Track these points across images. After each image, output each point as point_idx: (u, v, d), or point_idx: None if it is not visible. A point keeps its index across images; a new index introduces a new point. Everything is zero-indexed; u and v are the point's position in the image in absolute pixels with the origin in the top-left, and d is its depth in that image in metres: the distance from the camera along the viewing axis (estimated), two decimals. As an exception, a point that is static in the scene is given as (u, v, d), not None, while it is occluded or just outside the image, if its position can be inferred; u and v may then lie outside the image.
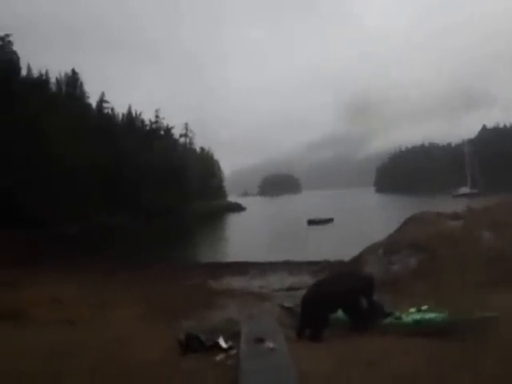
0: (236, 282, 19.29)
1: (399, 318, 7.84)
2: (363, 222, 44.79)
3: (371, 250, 17.46)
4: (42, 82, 56.84)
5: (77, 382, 4.98)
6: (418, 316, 7.72)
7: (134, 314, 10.61)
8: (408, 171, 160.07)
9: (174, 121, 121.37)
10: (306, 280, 17.40)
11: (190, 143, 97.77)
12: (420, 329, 7.19)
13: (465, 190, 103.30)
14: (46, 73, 59.42)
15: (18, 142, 43.74)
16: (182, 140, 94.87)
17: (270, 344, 6.25)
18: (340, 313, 7.94)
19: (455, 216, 20.17)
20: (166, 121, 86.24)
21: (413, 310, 8.04)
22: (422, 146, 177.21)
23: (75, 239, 40.03)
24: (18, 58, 53.68)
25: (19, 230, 36.89)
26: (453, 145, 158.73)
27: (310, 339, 7.41)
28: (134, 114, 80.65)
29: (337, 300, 7.68)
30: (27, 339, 7.18)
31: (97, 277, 17.66)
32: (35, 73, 57.74)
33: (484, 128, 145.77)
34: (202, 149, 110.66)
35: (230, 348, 6.31)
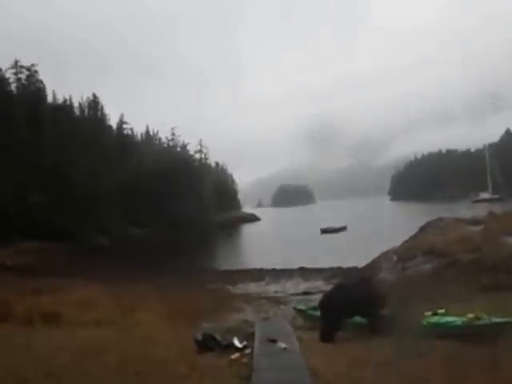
0: (252, 288, 19.79)
1: None
2: (377, 230, 44.30)
3: (385, 256, 17.37)
4: (66, 107, 60.74)
5: (107, 375, 5.37)
6: (433, 319, 7.65)
7: (158, 315, 11.20)
8: (424, 179, 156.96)
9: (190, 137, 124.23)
10: (320, 285, 17.59)
11: (205, 158, 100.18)
12: (436, 332, 7.11)
13: (485, 195, 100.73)
14: (70, 98, 63.24)
15: (50, 163, 48.02)
16: (198, 156, 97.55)
17: (282, 344, 6.38)
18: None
19: (474, 221, 19.85)
20: (182, 137, 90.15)
21: (428, 313, 7.96)
22: (439, 153, 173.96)
23: (107, 249, 43.39)
24: (44, 86, 57.34)
25: (58, 242, 40.20)
26: (472, 150, 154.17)
27: (321, 339, 7.45)
28: (151, 133, 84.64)
29: (356, 306, 7.69)
30: (63, 337, 7.72)
31: (126, 283, 18.87)
32: (59, 99, 61.56)
33: (508, 132, 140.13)
34: (217, 163, 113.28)
35: (244, 347, 6.53)
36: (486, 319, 7.22)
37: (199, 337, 6.76)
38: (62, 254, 34.84)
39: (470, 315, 7.36)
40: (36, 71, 56.09)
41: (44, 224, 42.26)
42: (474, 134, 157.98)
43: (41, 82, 56.60)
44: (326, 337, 7.51)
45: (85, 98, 66.83)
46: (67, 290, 14.81)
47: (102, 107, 68.54)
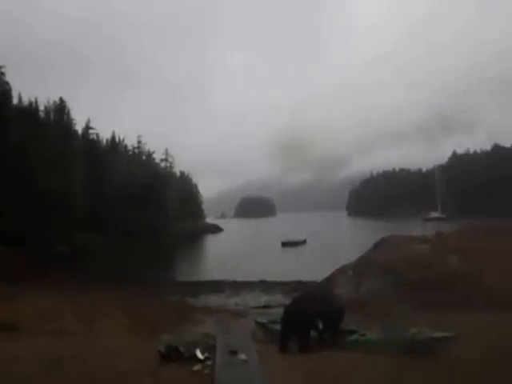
0: (213, 300, 19.88)
1: (364, 335, 8.25)
2: (335, 244, 45.78)
3: (342, 271, 18.14)
4: (31, 109, 58.24)
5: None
6: (381, 334, 8.19)
7: (119, 326, 11.14)
8: (379, 195, 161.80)
9: (156, 146, 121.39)
10: (279, 299, 18.04)
11: (171, 167, 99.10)
12: (383, 346, 7.56)
13: (435, 214, 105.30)
14: (36, 101, 60.51)
15: (10, 167, 45.65)
16: (163, 164, 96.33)
17: (242, 356, 6.70)
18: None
19: (423, 239, 21.16)
20: (148, 146, 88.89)
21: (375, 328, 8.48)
22: (394, 171, 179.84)
23: (65, 257, 42.09)
24: (10, 88, 54.98)
25: (16, 248, 38.16)
26: (424, 170, 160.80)
27: (300, 350, 7.75)
28: (117, 140, 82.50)
29: (321, 315, 8.01)
30: (22, 348, 7.54)
31: (85, 292, 18.32)
32: (25, 101, 58.86)
33: (454, 154, 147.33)
34: (182, 173, 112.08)
35: (206, 359, 6.70)
36: (428, 334, 7.75)
37: (163, 348, 6.87)
38: (20, 261, 33.20)
39: (413, 330, 7.97)
40: (3, 73, 54.03)
41: (1, 229, 40.11)
42: (425, 155, 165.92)
43: (7, 83, 54.37)
44: (283, 348, 7.93)
45: (51, 102, 64.24)
46: (26, 299, 14.34)
47: (68, 111, 66.37)
